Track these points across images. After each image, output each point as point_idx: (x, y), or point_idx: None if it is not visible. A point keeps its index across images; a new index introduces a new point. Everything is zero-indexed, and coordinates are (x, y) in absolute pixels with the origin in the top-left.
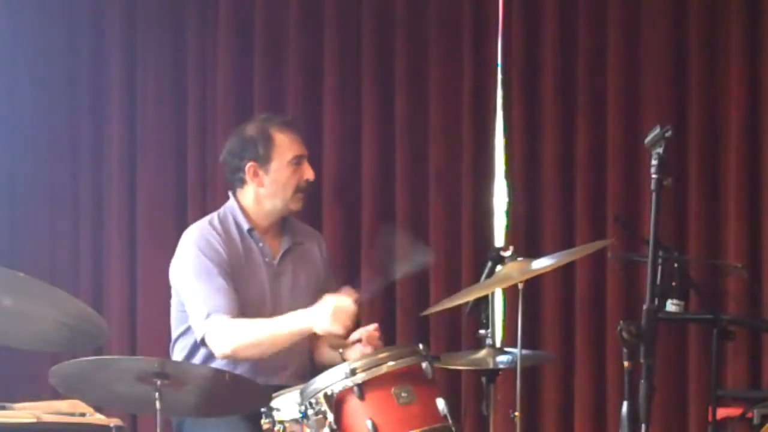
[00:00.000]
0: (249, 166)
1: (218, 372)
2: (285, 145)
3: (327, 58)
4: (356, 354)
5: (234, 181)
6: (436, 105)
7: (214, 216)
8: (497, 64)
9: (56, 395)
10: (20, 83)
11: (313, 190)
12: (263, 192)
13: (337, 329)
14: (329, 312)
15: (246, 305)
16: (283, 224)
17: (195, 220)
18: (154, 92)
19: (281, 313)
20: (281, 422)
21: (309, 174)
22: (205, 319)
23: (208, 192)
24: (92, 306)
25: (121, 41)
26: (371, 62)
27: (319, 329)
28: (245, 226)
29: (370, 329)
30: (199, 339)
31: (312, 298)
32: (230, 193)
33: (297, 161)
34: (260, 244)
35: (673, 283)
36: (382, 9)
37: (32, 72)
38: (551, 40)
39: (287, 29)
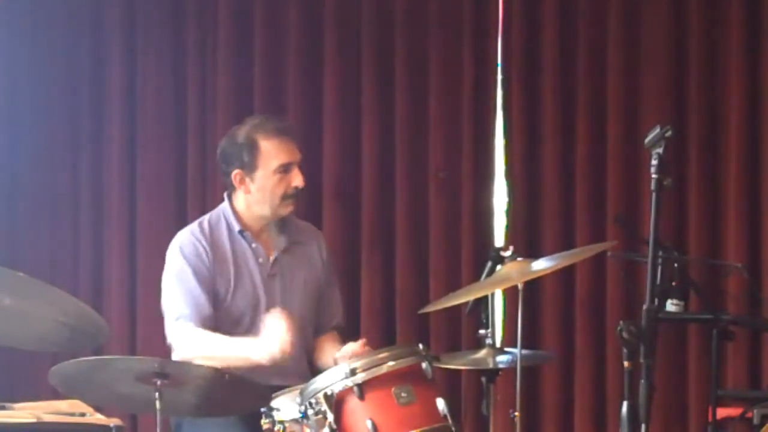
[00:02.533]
0: (235, 173)
1: (218, 372)
2: (271, 154)
3: (327, 58)
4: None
5: (226, 185)
6: (436, 105)
7: (204, 218)
8: (497, 64)
9: (56, 395)
10: (20, 83)
11: (313, 190)
12: (251, 198)
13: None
14: (278, 353)
15: (239, 306)
16: (281, 224)
17: (195, 219)
18: (154, 92)
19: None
20: (281, 422)
21: (298, 181)
22: (174, 321)
23: (208, 191)
24: (92, 306)
25: (121, 41)
26: (371, 62)
27: (267, 362)
28: (236, 227)
29: (358, 346)
30: (168, 340)
31: (311, 298)
32: (225, 195)
33: (284, 169)
34: (253, 245)
35: (673, 283)
36: (382, 9)
37: (32, 72)
38: (551, 40)
39: (287, 29)
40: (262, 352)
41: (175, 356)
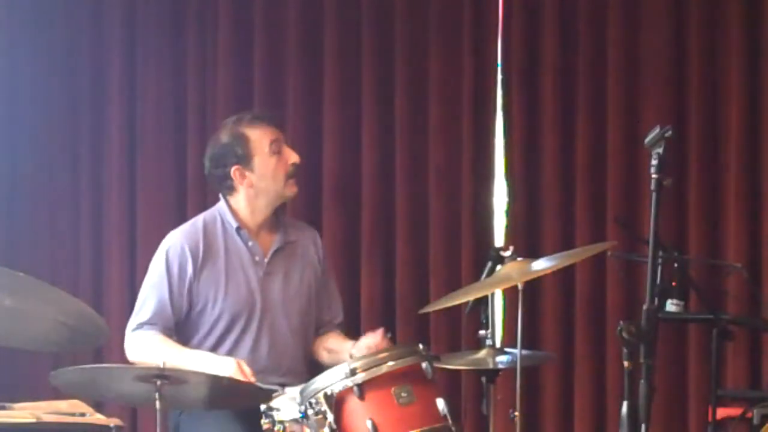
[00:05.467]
0: (234, 170)
1: (216, 377)
2: (259, 137)
3: (327, 58)
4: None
5: (223, 190)
6: (436, 105)
7: (199, 217)
8: (497, 64)
9: (56, 395)
10: (20, 83)
11: (313, 190)
12: (254, 191)
13: None
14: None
15: (234, 306)
16: (276, 222)
17: None
18: (154, 92)
19: (272, 311)
20: (281, 422)
21: (294, 158)
22: (135, 327)
23: (208, 192)
24: (92, 306)
25: (121, 41)
26: (371, 62)
27: None
28: (233, 225)
29: (378, 337)
30: (126, 335)
31: (308, 296)
32: (221, 195)
33: (276, 148)
34: (249, 243)
35: (673, 283)
36: (382, 9)
37: (32, 72)
38: (551, 40)
39: (287, 29)
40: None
41: (127, 356)
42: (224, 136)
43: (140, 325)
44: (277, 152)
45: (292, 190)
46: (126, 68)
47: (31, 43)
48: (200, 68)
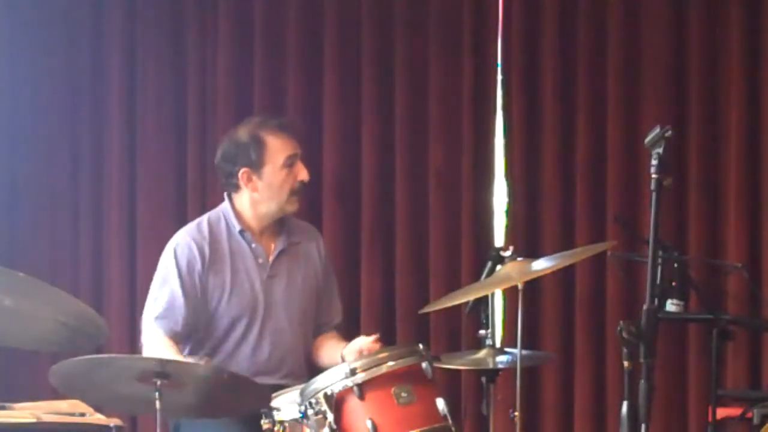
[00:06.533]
0: (242, 172)
1: (217, 371)
2: (277, 148)
3: (327, 58)
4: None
5: (228, 186)
6: (436, 105)
7: (204, 218)
8: (497, 64)
9: (56, 395)
10: (20, 83)
11: (313, 190)
12: (258, 197)
13: None
14: None
15: (236, 308)
16: (280, 224)
17: (195, 220)
18: (154, 92)
19: (275, 313)
20: (281, 422)
21: (303, 175)
22: (153, 321)
23: (208, 192)
24: (92, 306)
25: (121, 41)
26: (371, 62)
27: None
28: (237, 227)
29: (370, 341)
30: (141, 338)
31: (310, 298)
32: (225, 195)
33: (290, 162)
34: (253, 246)
35: (673, 283)
36: (383, 9)
37: (32, 72)
38: (551, 40)
39: (287, 29)
40: None
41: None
42: (243, 135)
43: (155, 319)
44: (290, 166)
45: (293, 207)
46: (126, 68)
47: (31, 44)
48: (200, 68)
